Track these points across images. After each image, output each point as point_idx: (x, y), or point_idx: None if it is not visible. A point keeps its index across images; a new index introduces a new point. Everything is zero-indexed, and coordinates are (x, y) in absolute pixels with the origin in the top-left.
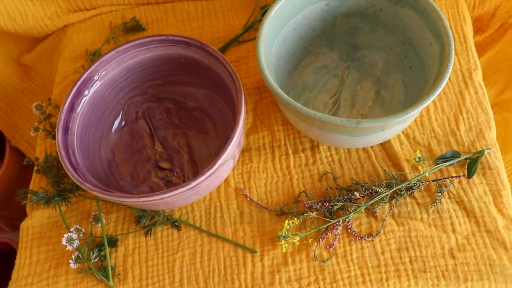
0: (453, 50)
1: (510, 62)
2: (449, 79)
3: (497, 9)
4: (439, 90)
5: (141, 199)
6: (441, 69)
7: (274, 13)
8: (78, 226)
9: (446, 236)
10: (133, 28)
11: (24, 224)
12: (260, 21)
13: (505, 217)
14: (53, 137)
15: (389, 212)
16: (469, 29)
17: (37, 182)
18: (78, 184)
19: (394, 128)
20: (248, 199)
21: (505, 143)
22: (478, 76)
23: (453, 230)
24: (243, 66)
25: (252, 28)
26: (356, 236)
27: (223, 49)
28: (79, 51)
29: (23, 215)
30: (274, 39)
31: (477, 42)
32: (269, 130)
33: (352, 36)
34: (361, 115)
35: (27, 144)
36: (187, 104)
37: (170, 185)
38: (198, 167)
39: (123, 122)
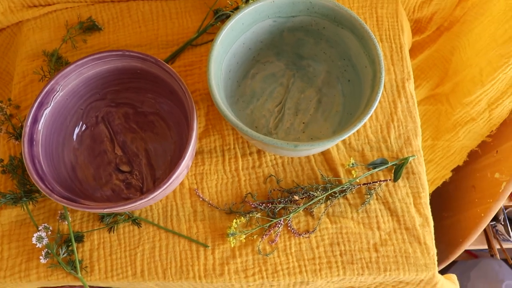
0: (383, 79)
1: (443, 61)
2: (385, 88)
3: (434, 14)
4: (369, 115)
5: (105, 210)
6: (371, 95)
7: (224, 33)
8: (46, 224)
9: (371, 232)
10: (90, 28)
11: None
12: (213, 25)
13: (421, 216)
14: (16, 138)
15: (324, 211)
16: (406, 38)
17: (2, 182)
18: (47, 195)
19: (330, 145)
20: (201, 199)
21: (437, 131)
22: (410, 86)
23: (378, 228)
24: (196, 70)
25: (205, 32)
26: (295, 233)
27: (177, 53)
28: (36, 49)
29: None
30: (224, 56)
31: (416, 41)
32: (220, 134)
33: (298, 47)
34: (303, 123)
35: None
36: (144, 109)
37: (130, 187)
38: (155, 170)
39: (84, 126)
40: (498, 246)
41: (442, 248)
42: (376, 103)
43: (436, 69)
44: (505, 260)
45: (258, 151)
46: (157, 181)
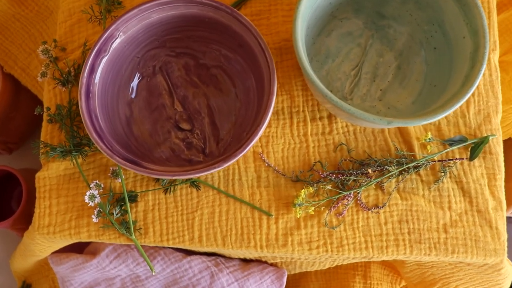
0: (487, 54)
1: None
2: None
3: None
4: (469, 95)
5: (174, 177)
6: (472, 72)
7: None
8: (97, 181)
9: (442, 212)
10: None
11: (40, 175)
12: None
13: (495, 199)
14: (63, 85)
15: (395, 187)
16: (494, 3)
17: (48, 131)
18: (108, 157)
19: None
20: (266, 164)
21: None
22: (495, 57)
23: (449, 208)
24: (264, 21)
25: None
26: (364, 207)
27: (243, 0)
28: None
29: (18, 139)
30: (309, 11)
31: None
32: (288, 95)
33: (381, 5)
34: (380, 89)
35: (21, 71)
36: (206, 61)
37: (191, 147)
38: (219, 130)
39: (140, 76)
40: None
41: None
42: (478, 81)
43: (509, 34)
44: None
45: (329, 116)
46: (220, 143)
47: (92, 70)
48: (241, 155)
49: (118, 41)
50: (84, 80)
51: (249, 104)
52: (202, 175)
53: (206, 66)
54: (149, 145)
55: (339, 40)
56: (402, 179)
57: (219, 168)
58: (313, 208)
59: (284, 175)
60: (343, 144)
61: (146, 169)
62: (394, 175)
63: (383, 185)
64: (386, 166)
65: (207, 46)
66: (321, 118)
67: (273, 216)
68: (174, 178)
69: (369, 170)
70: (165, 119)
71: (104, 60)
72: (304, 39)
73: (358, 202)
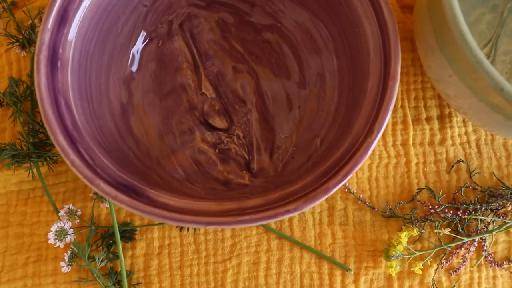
0: None
1: None
2: None
3: None
4: None
5: (208, 226)
6: None
7: None
8: (71, 205)
9: None
10: None
11: None
12: None
13: None
14: (22, 47)
15: None
16: None
17: None
18: (86, 182)
19: None
20: (346, 189)
21: None
22: None
23: None
24: None
25: None
26: (491, 260)
27: None
28: None
29: None
30: None
31: None
32: None
33: None
34: None
35: None
36: (255, 18)
37: (227, 159)
38: (274, 131)
39: (147, 38)
40: None
41: None
42: None
43: None
44: None
45: (441, 116)
46: (276, 153)
47: (64, 20)
48: (337, 187)
49: None
50: (47, 36)
51: (324, 94)
52: (261, 224)
53: (256, 27)
54: (157, 154)
55: (463, 1)
56: None
57: (295, 213)
58: (421, 265)
59: (373, 208)
60: (461, 161)
61: (155, 206)
62: None
63: None
64: None
65: None
66: (428, 120)
67: (352, 272)
68: (209, 228)
69: (509, 206)
70: (185, 111)
71: (84, 3)
72: None
73: (485, 253)
